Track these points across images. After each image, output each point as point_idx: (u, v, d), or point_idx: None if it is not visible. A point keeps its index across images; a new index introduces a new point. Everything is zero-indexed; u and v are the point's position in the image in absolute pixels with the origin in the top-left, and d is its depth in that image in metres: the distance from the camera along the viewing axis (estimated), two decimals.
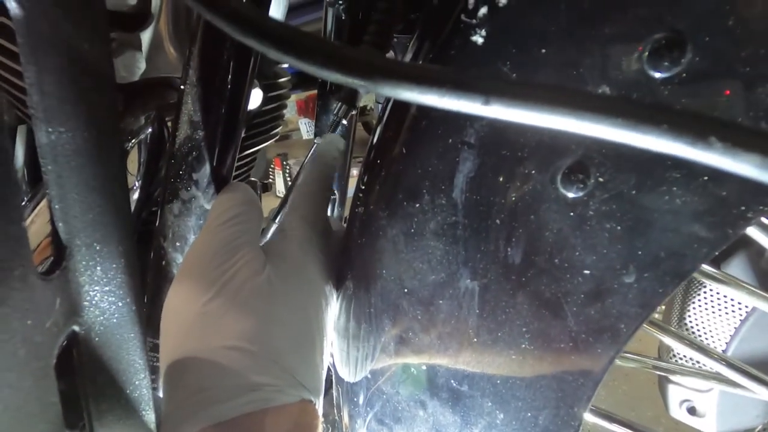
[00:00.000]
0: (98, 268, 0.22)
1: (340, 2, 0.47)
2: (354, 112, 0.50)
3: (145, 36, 0.41)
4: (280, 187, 3.55)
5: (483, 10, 0.24)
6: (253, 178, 0.92)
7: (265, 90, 0.51)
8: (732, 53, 0.20)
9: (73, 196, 0.20)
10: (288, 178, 3.35)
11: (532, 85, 0.14)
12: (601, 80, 0.23)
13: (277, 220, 0.47)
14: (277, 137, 0.74)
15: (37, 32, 0.17)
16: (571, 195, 0.25)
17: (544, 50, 0.24)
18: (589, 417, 0.36)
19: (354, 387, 0.38)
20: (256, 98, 0.50)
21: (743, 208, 0.21)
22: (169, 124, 0.46)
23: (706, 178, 0.21)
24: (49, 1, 0.18)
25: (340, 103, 0.44)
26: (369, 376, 0.36)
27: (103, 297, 0.23)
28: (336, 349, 0.39)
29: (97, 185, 0.21)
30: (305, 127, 4.08)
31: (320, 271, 0.36)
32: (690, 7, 0.21)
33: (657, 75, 0.22)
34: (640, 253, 0.24)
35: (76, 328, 0.21)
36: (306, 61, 0.16)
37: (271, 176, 3.66)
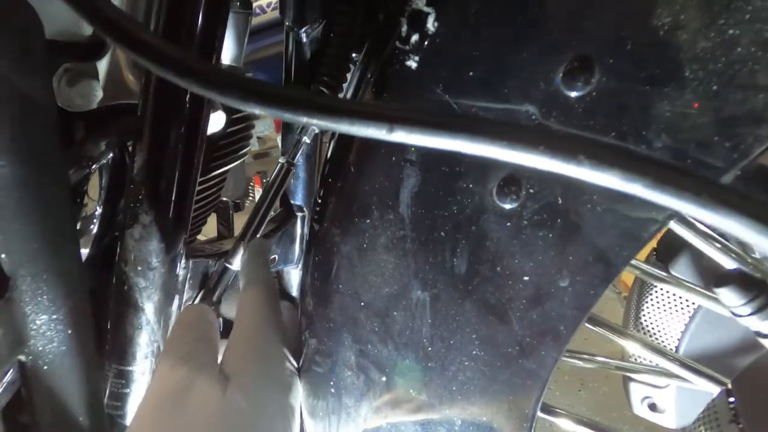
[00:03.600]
0: (45, 297, 0.22)
1: (296, 27, 0.49)
2: (317, 131, 0.52)
3: (102, 65, 0.41)
4: None
5: (415, 37, 0.26)
6: (224, 198, 0.92)
7: (228, 112, 0.52)
8: (634, 74, 0.22)
9: (14, 227, 0.20)
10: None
11: (428, 113, 0.16)
12: (524, 99, 0.24)
13: (245, 241, 0.47)
14: (256, 155, 0.74)
15: None
16: (506, 206, 0.27)
17: (471, 73, 0.25)
18: (544, 416, 0.37)
19: (319, 402, 0.39)
20: (218, 121, 0.51)
21: (654, 212, 0.23)
22: (130, 149, 0.46)
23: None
24: None
25: None
26: (333, 391, 0.37)
27: (50, 325, 0.23)
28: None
29: (40, 216, 0.21)
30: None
31: (280, 385, 0.34)
32: (595, 33, 0.23)
33: (572, 94, 0.23)
34: (571, 258, 0.26)
35: (22, 357, 0.21)
36: (232, 98, 0.17)
37: (251, 194, 3.64)
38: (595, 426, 0.40)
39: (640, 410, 0.50)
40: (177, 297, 0.45)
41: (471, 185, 0.27)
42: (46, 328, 0.23)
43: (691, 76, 0.21)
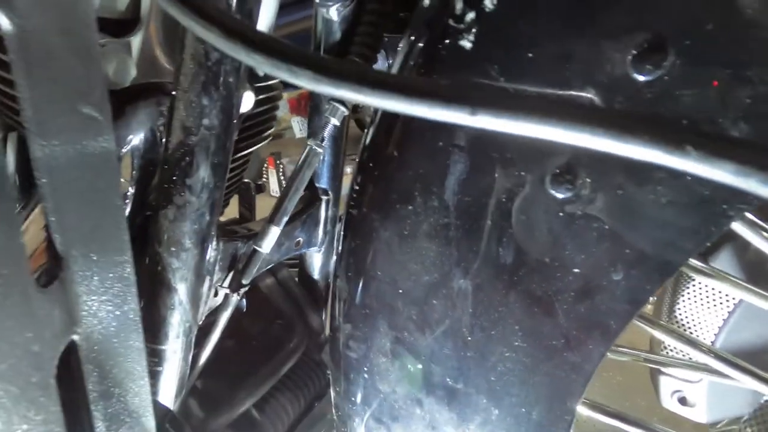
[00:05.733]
0: (95, 277, 0.22)
1: (330, 3, 0.47)
2: (346, 113, 0.51)
3: (135, 41, 0.41)
4: (274, 186, 3.54)
5: (470, 15, 0.25)
6: (246, 180, 0.92)
7: (257, 92, 0.51)
8: (712, 57, 0.20)
9: (68, 207, 0.20)
10: (282, 177, 3.34)
11: (518, 96, 0.15)
12: (586, 84, 0.23)
13: (274, 224, 0.47)
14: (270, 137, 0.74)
15: (29, 46, 0.17)
16: (560, 195, 0.26)
17: (530, 54, 0.24)
18: (582, 410, 0.36)
19: (351, 387, 0.39)
20: (247, 101, 0.50)
21: (725, 206, 0.21)
22: (162, 129, 0.46)
23: (689, 178, 0.22)
24: (39, 15, 0.18)
25: (331, 104, 0.44)
26: (366, 376, 0.37)
27: (100, 306, 0.23)
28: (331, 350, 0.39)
29: (92, 196, 0.21)
30: (298, 126, 4.06)
31: None
32: (671, 11, 0.21)
33: (640, 78, 0.22)
34: (627, 250, 0.25)
35: (75, 337, 0.22)
36: (297, 77, 0.16)
37: (264, 176, 3.65)
38: (615, 414, 0.39)
39: (669, 403, 0.50)
40: (208, 278, 0.46)
41: (524, 172, 0.26)
42: (97, 308, 0.23)
43: None
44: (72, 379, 0.23)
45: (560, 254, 0.27)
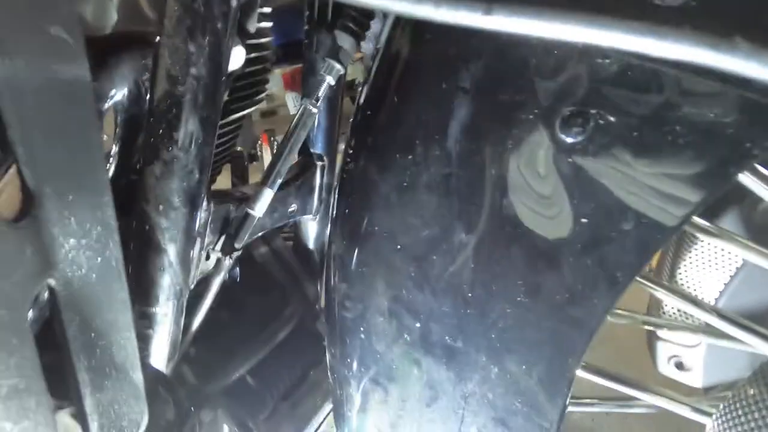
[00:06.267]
0: (72, 219, 0.20)
1: None
2: (342, 72, 0.48)
3: None
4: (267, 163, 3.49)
5: None
6: (239, 148, 0.89)
7: (248, 49, 0.49)
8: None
9: (37, 139, 0.18)
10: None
11: None
12: None
13: (268, 186, 0.46)
14: (263, 113, 0.71)
15: None
16: (570, 140, 0.24)
17: None
18: (579, 373, 0.36)
19: (347, 349, 0.38)
20: (238, 57, 0.47)
21: (748, 144, 0.20)
22: (147, 83, 0.44)
23: (712, 115, 0.20)
24: None
25: (327, 61, 0.42)
26: (363, 336, 0.36)
27: (79, 251, 0.21)
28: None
29: (65, 128, 0.19)
30: (292, 102, 3.98)
31: None
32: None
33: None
34: (639, 198, 0.24)
35: (51, 282, 0.20)
36: None
37: (258, 152, 3.59)
38: (622, 379, 0.39)
39: (666, 368, 0.50)
40: (199, 240, 0.44)
41: (532, 116, 0.25)
42: (75, 252, 0.21)
43: None
44: (53, 330, 0.22)
45: (569, 203, 0.25)
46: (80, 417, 0.24)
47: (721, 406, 0.29)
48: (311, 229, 0.69)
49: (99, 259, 0.23)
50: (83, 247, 0.22)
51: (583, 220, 0.25)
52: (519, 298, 0.29)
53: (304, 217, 0.63)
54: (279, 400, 0.59)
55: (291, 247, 0.69)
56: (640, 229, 0.24)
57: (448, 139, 0.27)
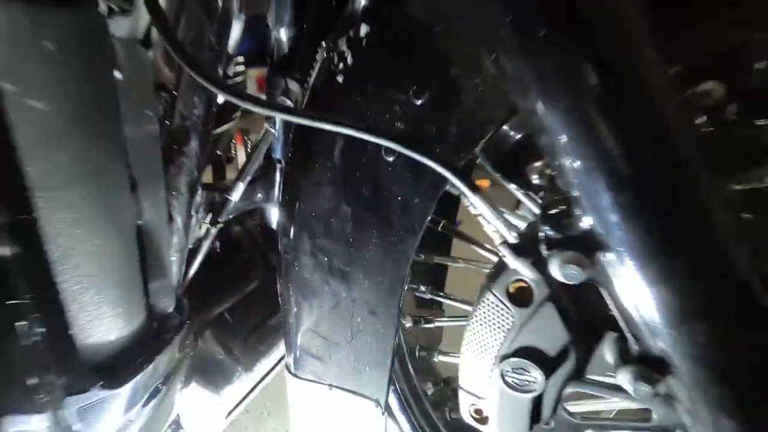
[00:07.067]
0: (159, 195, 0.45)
1: (279, 26, 0.69)
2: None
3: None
4: (242, 161, 3.67)
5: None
6: (218, 152, 1.13)
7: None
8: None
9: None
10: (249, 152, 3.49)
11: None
12: None
13: (241, 180, 0.70)
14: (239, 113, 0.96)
15: None
16: (389, 158, 0.50)
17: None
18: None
19: (287, 277, 0.63)
20: (220, 96, 0.72)
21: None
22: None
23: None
24: None
25: (281, 98, 0.67)
26: (296, 269, 0.62)
27: (156, 207, 0.45)
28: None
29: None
30: None
31: None
32: None
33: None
34: (420, 185, 0.50)
35: (140, 222, 0.44)
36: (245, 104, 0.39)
37: (234, 151, 3.75)
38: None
39: (468, 418, 0.54)
40: (195, 215, 0.68)
41: (369, 151, 0.51)
42: (155, 209, 0.45)
43: None
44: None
45: (390, 189, 0.52)
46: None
47: None
48: (273, 213, 0.94)
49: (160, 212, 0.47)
50: (157, 205, 0.46)
51: (398, 198, 0.52)
52: (374, 240, 0.55)
53: (268, 204, 0.88)
54: (249, 332, 0.83)
55: (257, 226, 0.94)
56: (421, 201, 0.51)
57: (336, 160, 0.53)
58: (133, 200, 0.41)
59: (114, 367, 0.42)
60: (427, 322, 0.78)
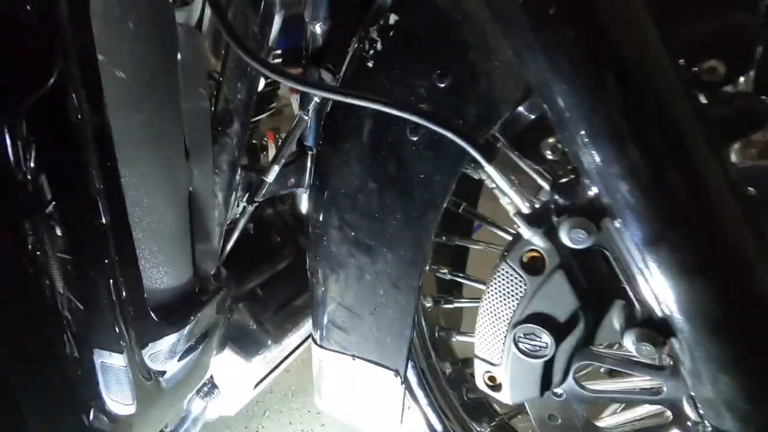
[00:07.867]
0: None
1: (315, 21, 0.75)
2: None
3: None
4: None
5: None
6: (254, 141, 1.20)
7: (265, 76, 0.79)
8: None
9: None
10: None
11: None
12: None
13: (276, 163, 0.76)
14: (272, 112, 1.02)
15: None
16: (414, 138, 0.55)
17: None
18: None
19: (317, 250, 0.68)
20: (260, 83, 0.78)
21: None
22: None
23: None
24: None
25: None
26: (325, 242, 0.66)
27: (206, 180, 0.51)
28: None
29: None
30: (295, 103, 4.27)
31: None
32: None
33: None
34: (440, 163, 0.54)
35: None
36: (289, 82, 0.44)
37: (264, 152, 3.88)
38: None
39: (482, 386, 0.55)
40: (234, 193, 0.74)
41: (394, 131, 0.55)
42: (202, 179, 0.51)
43: None
44: None
45: (413, 168, 0.56)
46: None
47: None
48: (304, 198, 1.00)
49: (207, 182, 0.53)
50: (205, 176, 0.52)
51: (422, 176, 0.56)
52: (398, 215, 0.59)
53: (299, 189, 0.94)
54: (278, 308, 0.89)
55: (288, 211, 1.00)
56: (441, 179, 0.54)
57: (364, 139, 0.58)
58: (186, 167, 0.47)
59: (169, 314, 0.48)
60: (447, 302, 0.81)
